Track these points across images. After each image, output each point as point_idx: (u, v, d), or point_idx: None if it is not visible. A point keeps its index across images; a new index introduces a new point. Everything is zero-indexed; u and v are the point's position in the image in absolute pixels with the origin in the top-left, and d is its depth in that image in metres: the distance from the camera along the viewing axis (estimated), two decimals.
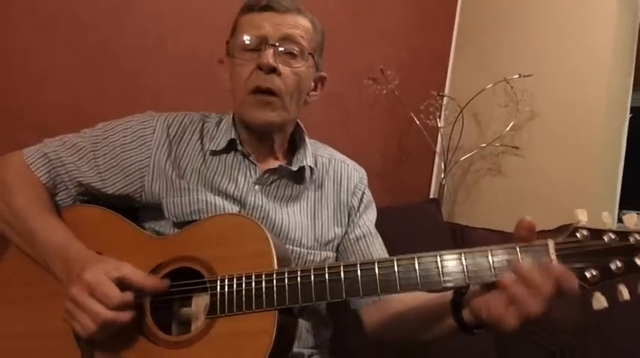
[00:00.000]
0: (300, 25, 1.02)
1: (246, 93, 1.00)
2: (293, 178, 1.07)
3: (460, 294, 0.85)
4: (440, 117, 2.04)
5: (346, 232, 1.11)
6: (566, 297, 0.72)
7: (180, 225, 0.98)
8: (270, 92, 1.00)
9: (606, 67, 1.86)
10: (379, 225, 1.16)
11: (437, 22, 2.17)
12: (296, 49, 1.01)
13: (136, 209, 1.06)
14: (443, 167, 2.05)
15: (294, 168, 1.06)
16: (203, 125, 1.09)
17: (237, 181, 1.03)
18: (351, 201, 1.13)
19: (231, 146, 1.05)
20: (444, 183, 2.02)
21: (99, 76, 1.39)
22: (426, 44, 2.12)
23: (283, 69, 1.00)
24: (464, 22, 2.24)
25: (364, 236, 1.11)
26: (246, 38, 1.00)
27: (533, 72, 1.90)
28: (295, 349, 0.97)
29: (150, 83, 1.46)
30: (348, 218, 1.12)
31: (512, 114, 1.96)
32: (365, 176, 1.18)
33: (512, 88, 1.93)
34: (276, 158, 1.09)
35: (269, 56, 0.98)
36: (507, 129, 1.95)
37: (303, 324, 1.01)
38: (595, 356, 1.35)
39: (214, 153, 1.05)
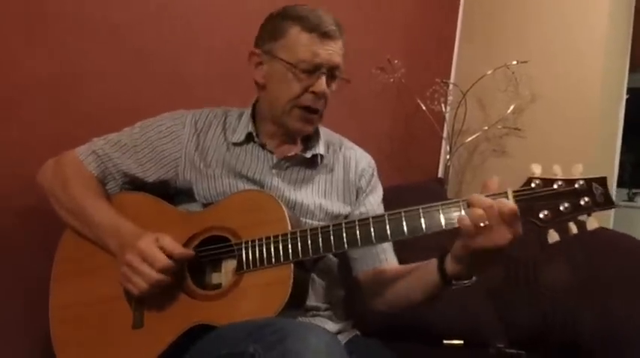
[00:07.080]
0: (342, 48, 1.14)
1: (293, 106, 1.14)
2: (306, 164, 1.21)
3: (445, 250, 1.01)
4: (445, 102, 2.17)
5: (352, 209, 1.25)
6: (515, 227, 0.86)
7: (208, 205, 1.14)
8: (316, 112, 1.16)
9: (602, 49, 1.95)
10: (388, 203, 1.29)
11: (441, 13, 2.27)
12: (339, 73, 1.15)
13: (171, 195, 1.22)
14: (448, 149, 2.18)
15: (308, 155, 1.20)
16: (226, 119, 1.24)
17: (256, 167, 1.18)
18: (359, 183, 1.25)
19: (249, 138, 1.20)
20: (449, 164, 2.16)
21: (136, 75, 1.54)
22: (431, 34, 2.23)
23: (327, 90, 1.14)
24: (467, 12, 2.35)
25: (367, 213, 1.23)
26: (304, 62, 1.11)
27: (531, 57, 2.01)
28: (313, 302, 1.14)
29: (181, 80, 1.60)
30: (356, 197, 1.25)
31: (512, 97, 2.07)
32: (372, 161, 1.31)
33: (513, 73, 2.04)
34: (292, 143, 1.23)
35: (323, 84, 1.12)
36: (508, 111, 2.07)
37: (318, 282, 1.17)
38: (584, 315, 1.45)
39: (236, 144, 1.20)
